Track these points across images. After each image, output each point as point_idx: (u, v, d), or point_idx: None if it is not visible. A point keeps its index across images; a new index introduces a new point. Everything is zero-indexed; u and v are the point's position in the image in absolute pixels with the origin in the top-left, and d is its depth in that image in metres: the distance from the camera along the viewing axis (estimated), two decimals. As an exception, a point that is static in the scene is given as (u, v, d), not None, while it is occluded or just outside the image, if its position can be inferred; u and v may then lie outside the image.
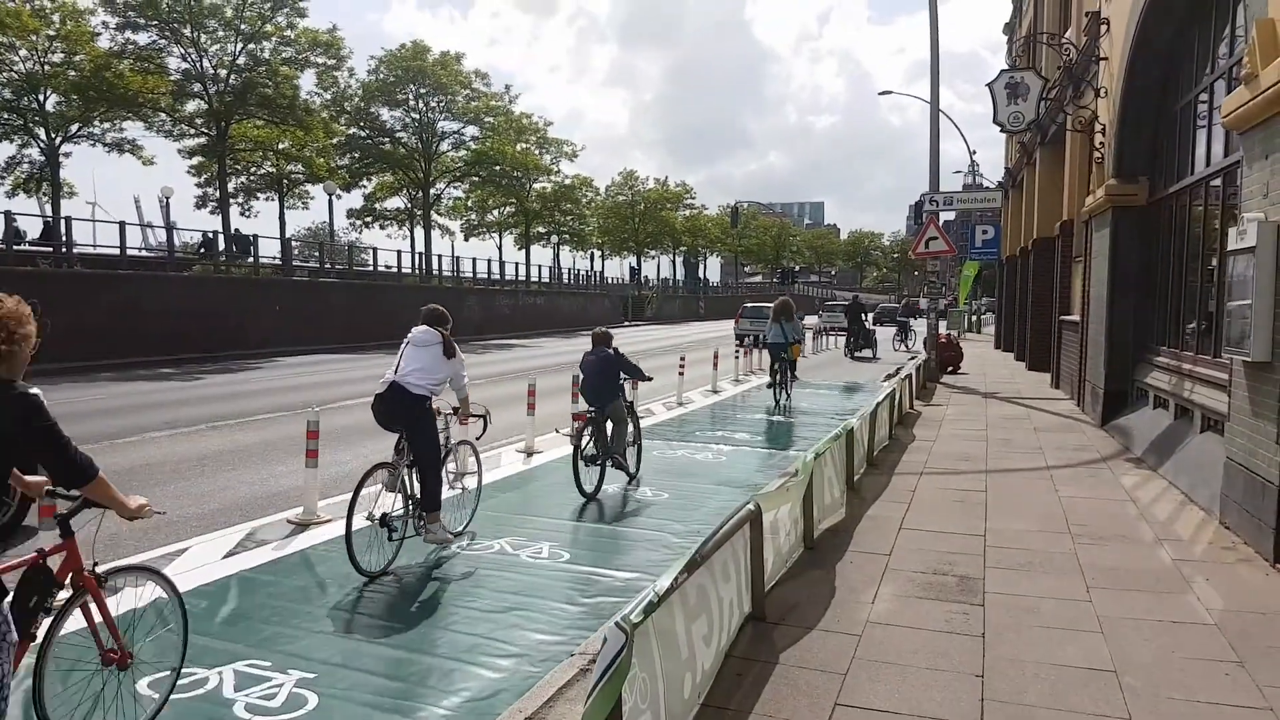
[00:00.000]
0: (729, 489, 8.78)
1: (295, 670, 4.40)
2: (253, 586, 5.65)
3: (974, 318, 43.31)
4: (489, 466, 9.46)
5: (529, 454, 10.24)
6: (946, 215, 31.36)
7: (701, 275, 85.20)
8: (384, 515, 5.98)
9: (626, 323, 57.14)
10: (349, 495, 7.86)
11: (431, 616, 5.19)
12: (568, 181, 56.92)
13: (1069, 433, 12.15)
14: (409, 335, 6.42)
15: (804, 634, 4.81)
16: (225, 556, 6.27)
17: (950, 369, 20.83)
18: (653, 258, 75.59)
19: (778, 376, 15.43)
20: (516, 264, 50.11)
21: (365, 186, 45.26)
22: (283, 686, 4.23)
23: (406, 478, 6.23)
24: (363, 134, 43.31)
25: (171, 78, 31.63)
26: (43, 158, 30.32)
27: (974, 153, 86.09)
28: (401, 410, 6.18)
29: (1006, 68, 19.77)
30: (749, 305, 32.55)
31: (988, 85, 15.37)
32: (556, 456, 10.24)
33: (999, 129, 15.70)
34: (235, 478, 8.92)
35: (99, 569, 3.53)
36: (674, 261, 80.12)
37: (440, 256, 45.15)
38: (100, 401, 14.57)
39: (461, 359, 6.48)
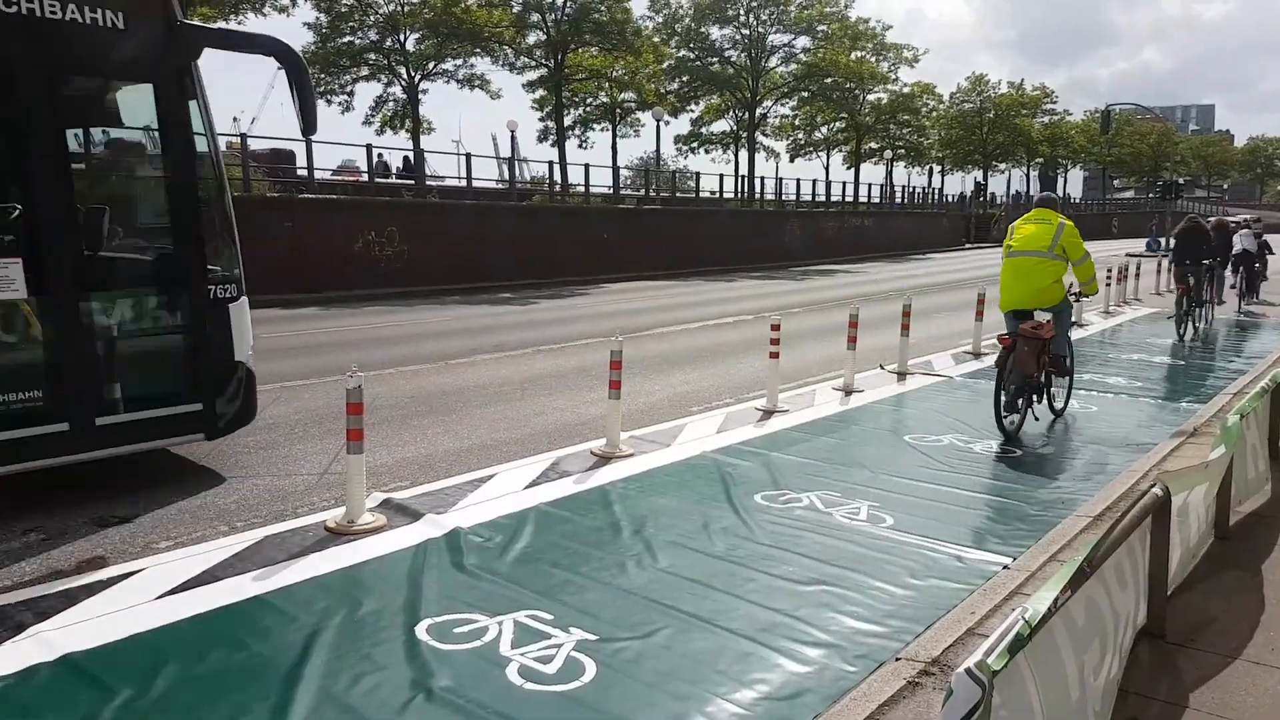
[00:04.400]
0: (1101, 448, 7.21)
1: (577, 629, 3.93)
2: (549, 523, 5.34)
3: None
4: (801, 405, 8.64)
5: (847, 393, 9.21)
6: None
7: (1061, 190, 75.96)
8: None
9: (968, 245, 52.47)
10: (651, 429, 7.42)
11: (730, 578, 4.50)
12: (906, 90, 52.94)
13: None
14: None
15: (1222, 665, 3.49)
16: (527, 487, 6.05)
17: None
18: (1002, 171, 68.54)
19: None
20: (844, 184, 47.72)
21: (693, 111, 45.34)
22: (561, 648, 3.77)
23: None
24: (692, 55, 43.18)
25: (513, 9, 33.29)
26: (405, 95, 33.53)
27: None
28: None
29: None
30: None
31: None
32: (878, 397, 9.14)
33: None
34: (549, 403, 8.89)
35: None
36: (1027, 175, 72.05)
37: (763, 179, 44.23)
38: (445, 324, 15.71)
39: None
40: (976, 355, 11.64)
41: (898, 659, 3.63)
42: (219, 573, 4.51)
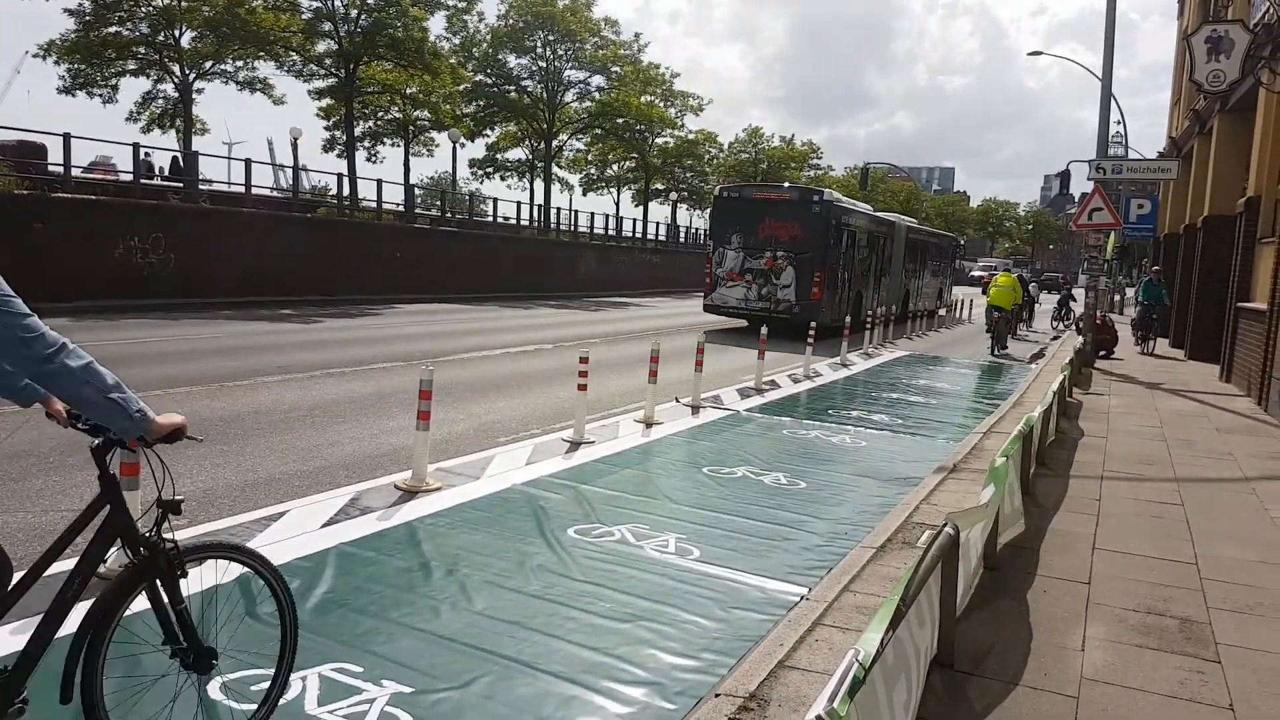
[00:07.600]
0: (873, 481, 7.81)
1: (390, 682, 3.73)
2: (352, 565, 5.05)
3: (1117, 297, 40.46)
4: (606, 437, 8.76)
5: (648, 425, 9.45)
6: (1088, 188, 29.72)
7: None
8: None
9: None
10: (459, 460, 7.25)
11: (549, 618, 4.46)
12: (691, 137, 55.40)
13: (1256, 436, 10.62)
14: None
15: (1006, 691, 3.86)
16: (325, 525, 5.70)
17: (1103, 353, 19.03)
18: (771, 219, 73.36)
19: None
20: (635, 220, 49.15)
21: (489, 136, 45.02)
22: (374, 703, 3.57)
23: None
24: (489, 81, 42.94)
25: (303, 16, 31.75)
26: (177, 94, 31.01)
27: (1120, 121, 79.22)
28: None
29: (1209, 19, 17.54)
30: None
31: (1185, 39, 13.62)
32: (676, 430, 9.44)
33: (1196, 89, 13.84)
34: (345, 432, 8.44)
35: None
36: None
37: (559, 210, 44.73)
38: (219, 341, 14.56)
39: None
40: (759, 390, 12.29)
41: (717, 695, 3.73)
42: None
